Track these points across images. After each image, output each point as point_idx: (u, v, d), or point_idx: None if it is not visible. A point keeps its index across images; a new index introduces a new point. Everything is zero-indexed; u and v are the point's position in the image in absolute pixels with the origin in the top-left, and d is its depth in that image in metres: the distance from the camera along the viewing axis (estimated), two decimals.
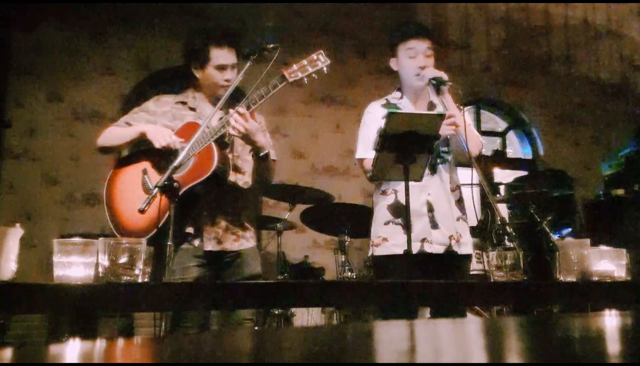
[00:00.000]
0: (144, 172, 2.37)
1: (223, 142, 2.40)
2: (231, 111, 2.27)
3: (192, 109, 2.48)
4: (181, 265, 2.33)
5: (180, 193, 2.23)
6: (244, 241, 2.46)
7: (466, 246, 2.52)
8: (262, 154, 2.37)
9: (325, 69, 2.29)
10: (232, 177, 2.45)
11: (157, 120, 2.46)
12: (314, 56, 2.29)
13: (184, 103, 2.51)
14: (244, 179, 2.50)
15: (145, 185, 2.34)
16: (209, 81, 2.46)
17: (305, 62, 2.28)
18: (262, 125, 2.51)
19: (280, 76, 2.27)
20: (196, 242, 2.37)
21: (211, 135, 2.25)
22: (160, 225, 2.06)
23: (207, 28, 2.58)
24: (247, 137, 2.28)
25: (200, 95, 2.51)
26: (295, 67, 2.27)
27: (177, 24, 5.34)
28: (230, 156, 2.46)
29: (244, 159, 2.51)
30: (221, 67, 2.43)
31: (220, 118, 2.38)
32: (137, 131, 2.38)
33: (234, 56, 2.45)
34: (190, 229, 2.37)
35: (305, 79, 2.27)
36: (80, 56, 5.07)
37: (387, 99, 2.66)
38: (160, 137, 2.28)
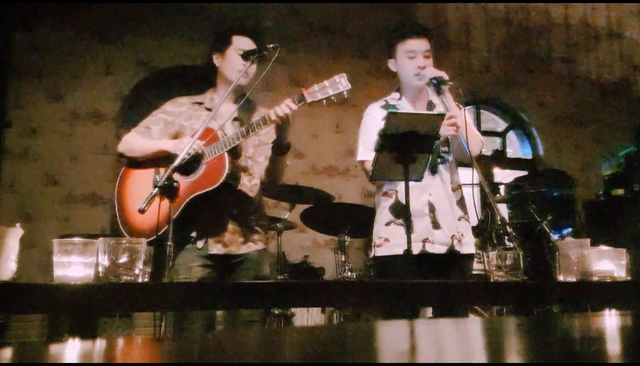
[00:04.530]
0: (156, 171, 2.37)
1: (235, 153, 2.41)
2: (276, 108, 2.27)
3: (209, 110, 2.48)
4: (186, 265, 2.35)
5: (188, 199, 2.28)
6: (251, 244, 2.46)
7: (468, 245, 2.52)
8: (284, 145, 2.37)
9: (345, 93, 2.24)
10: (241, 179, 2.46)
11: (175, 120, 2.50)
12: (337, 78, 2.24)
13: (200, 104, 2.52)
14: (253, 181, 2.51)
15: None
16: (228, 65, 2.47)
17: (326, 83, 2.24)
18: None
19: (299, 94, 2.26)
20: (200, 244, 2.38)
21: (225, 145, 2.27)
22: (166, 226, 2.05)
23: (231, 23, 2.64)
24: (283, 126, 2.30)
25: (218, 96, 2.51)
26: (316, 87, 2.25)
27: (177, 24, 5.35)
28: (241, 158, 2.47)
29: (256, 160, 2.53)
30: (239, 52, 2.45)
31: (235, 119, 2.42)
32: (158, 147, 2.39)
33: (252, 46, 2.46)
34: (194, 233, 2.38)
35: (324, 101, 2.23)
36: (80, 56, 5.07)
37: (385, 101, 2.66)
38: (183, 147, 2.25)
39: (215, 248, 2.37)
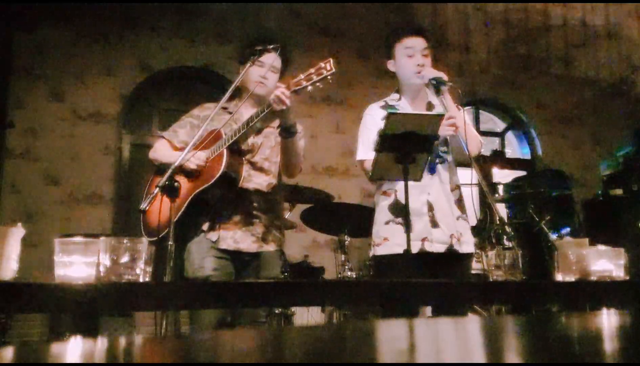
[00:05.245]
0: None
1: (237, 150, 2.44)
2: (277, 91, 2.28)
3: (230, 114, 2.53)
4: (200, 255, 2.41)
5: (191, 197, 2.34)
6: (263, 244, 2.49)
7: (467, 244, 2.53)
8: (290, 127, 2.38)
9: (329, 78, 2.21)
10: (258, 178, 2.52)
11: (200, 124, 2.55)
12: (322, 64, 2.23)
13: (224, 108, 2.57)
14: (269, 180, 2.56)
15: None
16: (247, 77, 2.52)
17: (312, 70, 2.24)
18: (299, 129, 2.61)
19: (285, 85, 2.27)
20: (213, 236, 2.42)
21: (225, 142, 2.33)
22: (171, 227, 2.09)
23: (257, 34, 2.73)
24: (284, 112, 2.30)
25: (243, 104, 2.55)
26: (302, 76, 2.25)
27: (178, 24, 5.35)
28: (257, 158, 2.53)
29: (272, 161, 2.57)
30: (259, 64, 2.50)
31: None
32: (171, 160, 2.45)
33: (275, 59, 2.49)
34: (205, 226, 2.44)
35: (310, 87, 2.23)
36: (81, 57, 5.08)
37: (385, 101, 2.67)
38: (192, 162, 2.35)
39: (226, 243, 2.42)
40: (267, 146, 2.58)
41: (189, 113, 2.68)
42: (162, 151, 2.59)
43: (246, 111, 2.54)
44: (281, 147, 2.50)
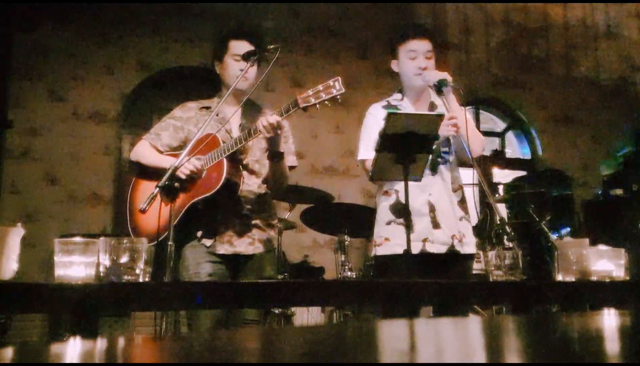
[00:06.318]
0: None
1: (236, 158, 2.43)
2: (261, 119, 2.28)
3: (216, 114, 2.50)
4: (195, 261, 2.39)
5: (188, 205, 2.31)
6: (259, 245, 2.48)
7: (469, 245, 2.52)
8: (274, 154, 2.39)
9: (339, 97, 2.23)
10: (249, 180, 2.50)
11: (184, 126, 2.55)
12: (330, 82, 2.24)
13: (208, 108, 2.55)
14: (259, 182, 2.54)
15: None
16: (226, 72, 2.50)
17: (320, 87, 2.24)
18: (285, 130, 2.57)
19: (293, 100, 2.27)
20: (208, 242, 2.41)
21: (224, 151, 2.30)
22: (170, 227, 2.08)
23: (229, 26, 2.68)
24: (271, 138, 2.30)
25: (224, 101, 2.53)
26: (310, 92, 2.25)
27: (178, 25, 5.35)
28: (248, 160, 2.51)
29: (262, 163, 2.55)
30: (237, 59, 2.48)
31: (240, 124, 2.47)
32: (162, 165, 2.41)
33: (252, 50, 2.46)
34: (199, 233, 2.41)
35: (318, 105, 2.24)
36: (81, 57, 5.08)
37: (387, 101, 2.67)
38: (183, 168, 2.27)
39: (223, 248, 2.41)
40: (257, 147, 2.55)
41: (171, 114, 2.62)
42: (146, 153, 2.52)
43: (229, 107, 2.50)
44: (269, 169, 2.48)
